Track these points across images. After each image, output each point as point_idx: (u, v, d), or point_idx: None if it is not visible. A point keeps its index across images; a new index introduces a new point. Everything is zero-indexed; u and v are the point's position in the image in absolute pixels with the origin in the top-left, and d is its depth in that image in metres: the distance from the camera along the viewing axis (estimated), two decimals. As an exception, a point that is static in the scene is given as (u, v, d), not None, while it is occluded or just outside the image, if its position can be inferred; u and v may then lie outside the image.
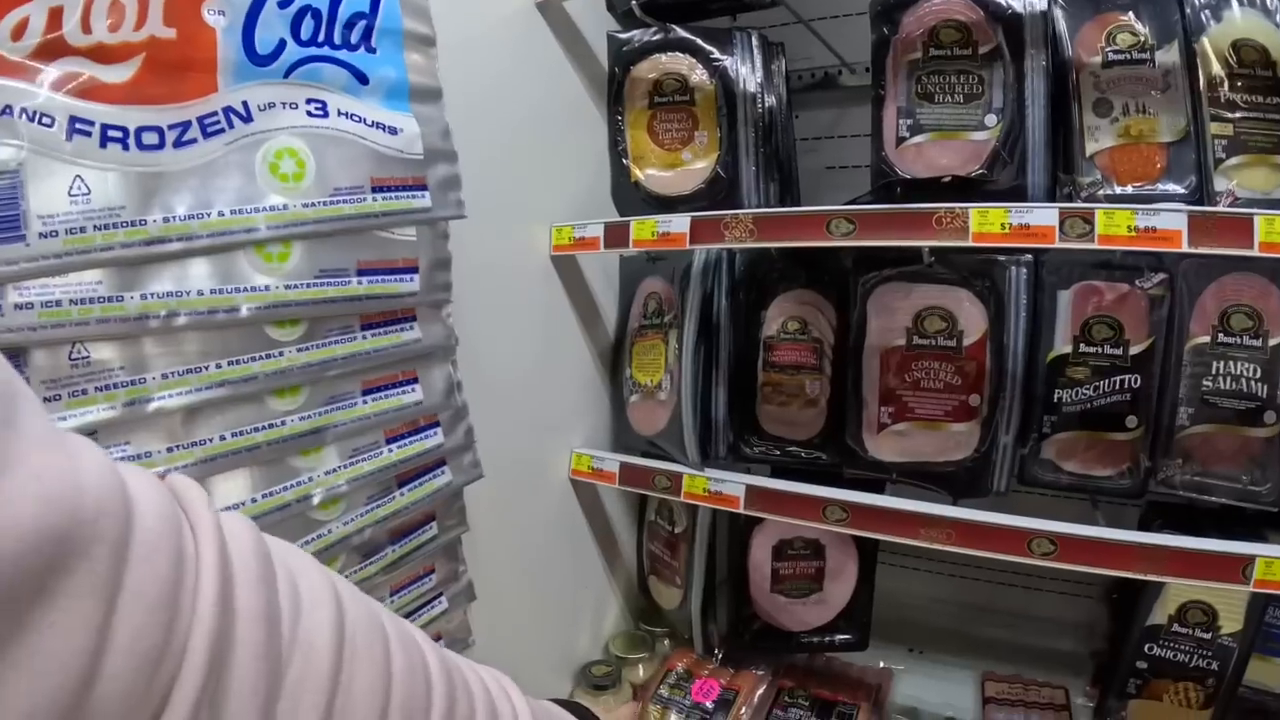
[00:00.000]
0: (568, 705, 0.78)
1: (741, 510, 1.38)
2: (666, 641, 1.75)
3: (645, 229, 1.35)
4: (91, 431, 0.72)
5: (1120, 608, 1.51)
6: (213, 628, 0.39)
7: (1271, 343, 1.16)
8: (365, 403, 0.98)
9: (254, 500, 0.86)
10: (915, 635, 1.84)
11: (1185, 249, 1.02)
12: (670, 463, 1.47)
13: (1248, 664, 1.24)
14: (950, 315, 1.29)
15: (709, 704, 1.49)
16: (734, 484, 1.38)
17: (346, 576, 0.97)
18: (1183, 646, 1.25)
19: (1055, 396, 1.26)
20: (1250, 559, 1.05)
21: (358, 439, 0.98)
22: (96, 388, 0.73)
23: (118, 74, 0.73)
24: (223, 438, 0.82)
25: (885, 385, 1.36)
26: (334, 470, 0.95)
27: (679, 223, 1.31)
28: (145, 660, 0.36)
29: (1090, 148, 1.25)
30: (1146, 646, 1.27)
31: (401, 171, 0.97)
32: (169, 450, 0.78)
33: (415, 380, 1.05)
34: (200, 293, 0.79)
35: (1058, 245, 1.06)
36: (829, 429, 1.48)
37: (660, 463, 1.48)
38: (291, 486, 0.90)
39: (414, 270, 1.01)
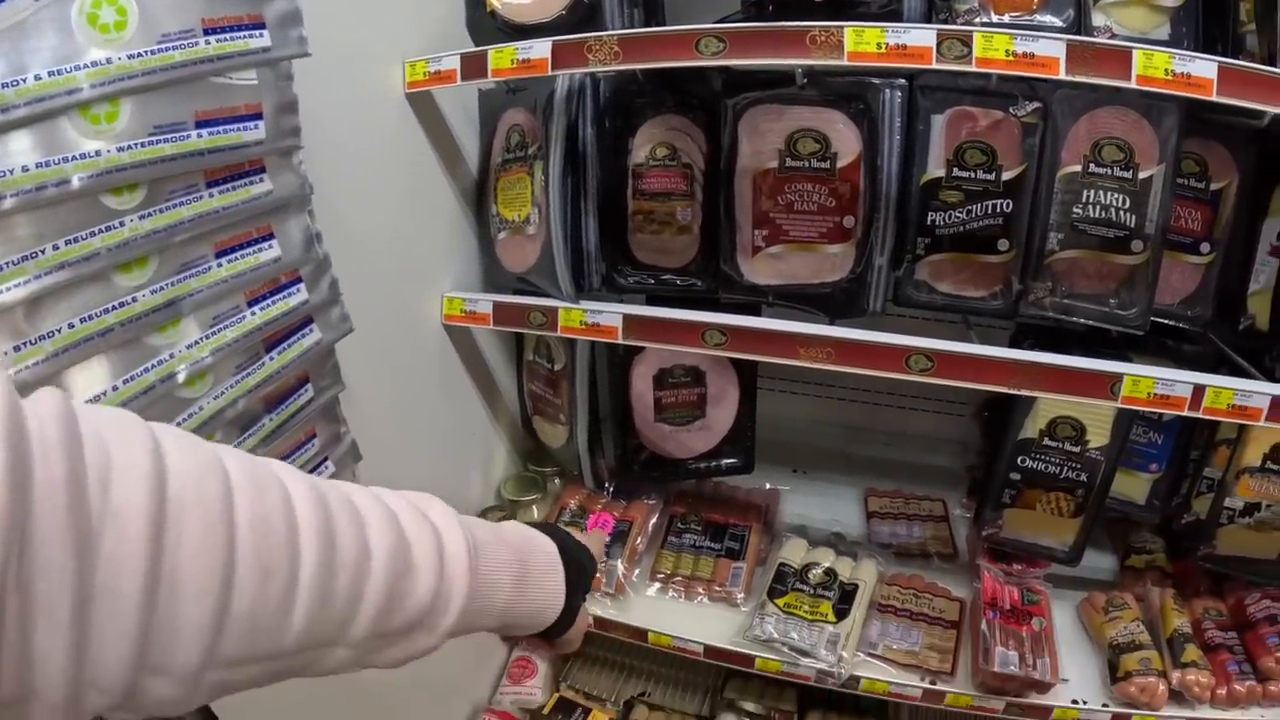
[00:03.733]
0: (540, 526, 0.80)
1: (620, 340, 1.38)
2: (557, 480, 1.78)
3: (504, 57, 1.27)
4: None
5: (991, 425, 1.61)
6: (5, 504, 0.38)
7: (1141, 175, 1.20)
8: (220, 266, 0.92)
9: (115, 388, 0.80)
10: (798, 457, 1.92)
11: (1062, 76, 1.01)
12: (544, 298, 1.44)
13: (1114, 477, 1.34)
14: (823, 137, 1.28)
15: (605, 537, 1.52)
16: (611, 314, 1.37)
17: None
18: (1053, 459, 1.34)
19: (929, 219, 1.28)
20: (1119, 377, 1.12)
21: (217, 306, 0.92)
22: (-76, 293, 0.64)
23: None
24: (71, 325, 0.75)
25: (758, 208, 1.35)
26: (196, 343, 0.89)
27: (540, 48, 1.24)
28: None
29: (967, -24, 1.23)
30: (1019, 459, 1.36)
31: (235, 9, 0.87)
32: (16, 349, 0.71)
33: (271, 236, 0.98)
34: (25, 169, 0.70)
35: (934, 67, 1.04)
36: (703, 255, 1.47)
37: (534, 299, 1.45)
38: (152, 367, 0.84)
39: (258, 117, 0.92)
